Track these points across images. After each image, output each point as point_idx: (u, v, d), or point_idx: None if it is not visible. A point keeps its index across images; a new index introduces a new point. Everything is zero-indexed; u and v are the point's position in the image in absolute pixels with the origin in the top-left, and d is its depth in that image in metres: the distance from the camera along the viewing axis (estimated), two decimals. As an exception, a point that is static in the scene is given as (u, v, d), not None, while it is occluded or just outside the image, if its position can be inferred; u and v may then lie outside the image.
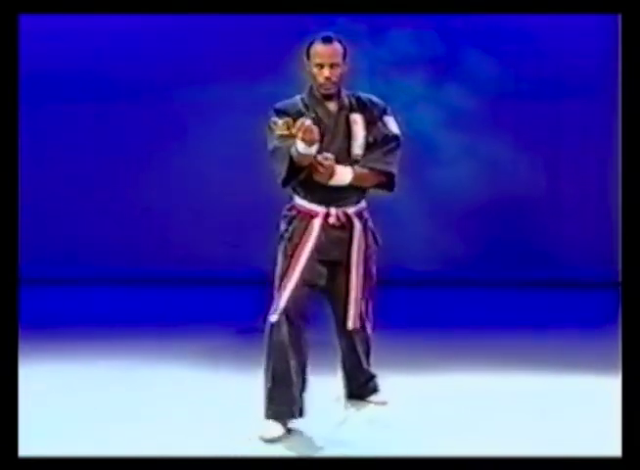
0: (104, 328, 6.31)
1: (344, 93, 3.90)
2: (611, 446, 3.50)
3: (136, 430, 3.98)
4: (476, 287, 7.42)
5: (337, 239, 3.87)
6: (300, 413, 3.87)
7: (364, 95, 3.96)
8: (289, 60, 6.85)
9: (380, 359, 4.34)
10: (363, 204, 3.97)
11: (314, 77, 3.79)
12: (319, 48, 3.75)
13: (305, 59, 3.81)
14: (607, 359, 4.71)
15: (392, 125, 3.89)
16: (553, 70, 8.12)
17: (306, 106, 3.83)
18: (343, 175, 3.76)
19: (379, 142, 3.87)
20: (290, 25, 7.49)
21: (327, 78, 3.74)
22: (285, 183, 3.78)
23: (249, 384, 4.18)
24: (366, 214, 3.99)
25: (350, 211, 3.88)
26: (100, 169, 8.81)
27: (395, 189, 3.97)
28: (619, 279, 4.12)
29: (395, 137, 3.88)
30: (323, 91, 3.79)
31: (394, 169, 3.90)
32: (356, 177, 3.81)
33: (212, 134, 8.66)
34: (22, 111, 4.29)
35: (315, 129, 3.56)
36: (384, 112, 3.90)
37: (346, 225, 3.88)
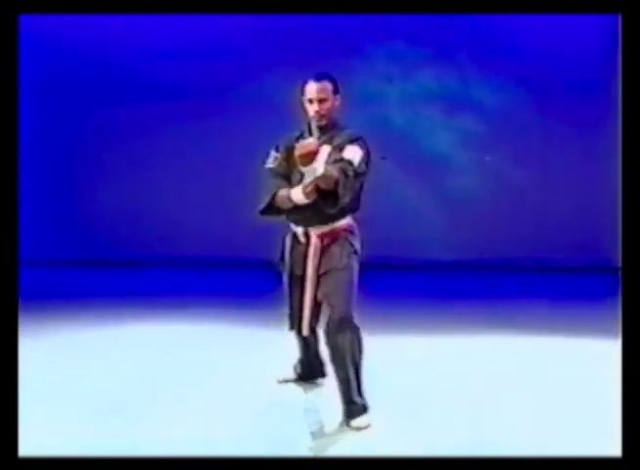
0: (100, 310, 6.60)
1: (334, 126, 4.17)
2: (610, 442, 3.53)
3: (135, 423, 4.00)
4: (495, 271, 8.71)
5: (300, 255, 4.24)
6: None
7: (349, 131, 4.17)
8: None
9: (414, 324, 6.16)
10: (340, 223, 4.18)
11: (306, 111, 4.17)
12: (309, 85, 4.13)
13: (300, 94, 4.17)
14: (606, 328, 5.68)
15: (349, 152, 4.01)
16: (555, 72, 8.66)
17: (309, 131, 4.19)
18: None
19: (333, 162, 4.00)
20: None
21: (316, 112, 4.11)
22: (262, 213, 4.20)
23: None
24: (344, 233, 4.19)
25: (316, 230, 4.16)
26: (99, 160, 8.91)
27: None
28: (619, 265, 4.59)
29: (344, 160, 3.97)
30: (315, 123, 4.16)
31: (340, 179, 3.92)
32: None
33: (213, 130, 8.71)
34: (22, 109, 4.31)
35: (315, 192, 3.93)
36: (349, 142, 4.06)
37: (309, 243, 4.21)
